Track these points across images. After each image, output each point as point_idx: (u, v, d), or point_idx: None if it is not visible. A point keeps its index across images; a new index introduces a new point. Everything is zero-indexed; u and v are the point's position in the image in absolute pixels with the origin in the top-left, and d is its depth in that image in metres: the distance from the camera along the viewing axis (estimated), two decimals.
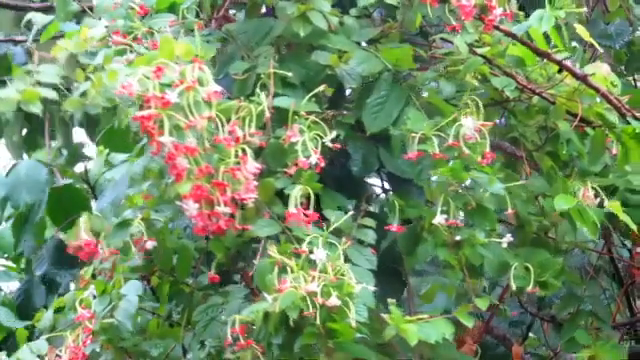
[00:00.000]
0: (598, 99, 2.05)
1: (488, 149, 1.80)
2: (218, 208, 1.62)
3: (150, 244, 1.86)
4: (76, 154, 3.32)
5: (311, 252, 1.64)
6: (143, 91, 1.56)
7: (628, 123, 2.07)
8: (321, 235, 1.68)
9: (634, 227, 1.94)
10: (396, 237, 1.97)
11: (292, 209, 1.70)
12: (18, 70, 1.62)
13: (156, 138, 1.58)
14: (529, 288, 1.85)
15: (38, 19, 1.78)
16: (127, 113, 1.71)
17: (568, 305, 2.36)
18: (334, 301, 1.59)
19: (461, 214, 1.88)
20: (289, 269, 1.62)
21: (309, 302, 1.57)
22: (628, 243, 2.56)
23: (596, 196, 2.01)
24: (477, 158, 1.79)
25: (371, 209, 2.01)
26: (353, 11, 2.06)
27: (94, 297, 1.94)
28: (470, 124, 1.78)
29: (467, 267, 1.87)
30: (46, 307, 2.36)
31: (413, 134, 1.79)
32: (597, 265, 2.48)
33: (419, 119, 1.85)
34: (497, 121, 2.27)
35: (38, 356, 1.96)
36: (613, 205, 1.91)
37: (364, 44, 2.05)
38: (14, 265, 3.60)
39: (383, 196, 2.22)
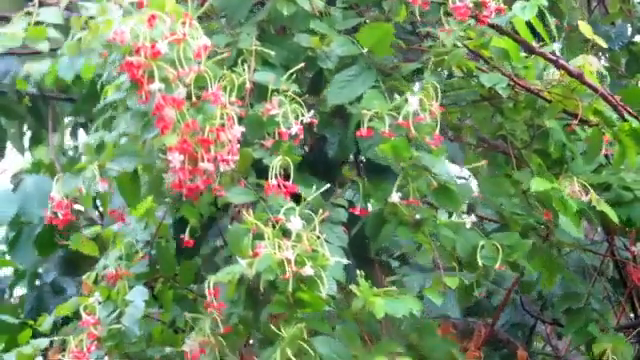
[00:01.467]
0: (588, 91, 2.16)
1: (438, 132, 2.01)
2: (201, 164, 1.84)
3: (101, 186, 2.01)
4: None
5: (287, 221, 1.83)
6: (134, 39, 1.79)
7: (624, 121, 2.30)
8: (297, 206, 1.89)
9: (615, 219, 2.12)
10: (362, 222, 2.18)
11: (272, 180, 1.92)
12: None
13: (145, 88, 1.79)
14: (497, 265, 2.05)
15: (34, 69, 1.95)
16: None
17: (567, 302, 2.59)
18: (308, 270, 1.78)
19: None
20: (265, 236, 1.82)
21: (285, 268, 1.76)
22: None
23: (586, 193, 2.21)
24: (425, 138, 1.99)
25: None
26: (339, 2, 2.34)
27: (99, 303, 2.18)
28: (416, 102, 1.98)
29: (439, 250, 2.08)
30: None
31: (366, 111, 2.00)
32: (600, 268, 2.74)
33: (375, 98, 2.07)
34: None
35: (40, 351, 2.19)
36: (593, 196, 2.14)
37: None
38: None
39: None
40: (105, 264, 2.31)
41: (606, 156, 2.34)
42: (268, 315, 1.87)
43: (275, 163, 1.93)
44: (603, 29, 3.07)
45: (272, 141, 1.98)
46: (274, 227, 1.85)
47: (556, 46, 2.31)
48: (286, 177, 1.96)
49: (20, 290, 3.83)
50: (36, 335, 2.44)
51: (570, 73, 2.27)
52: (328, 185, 2.00)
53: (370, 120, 2.00)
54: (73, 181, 2.03)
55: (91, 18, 1.92)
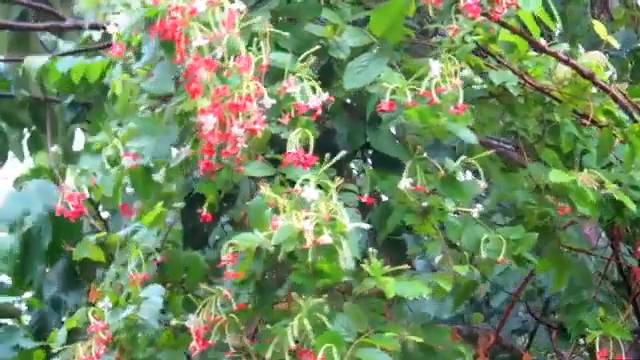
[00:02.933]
0: (594, 90, 2.27)
1: (461, 101, 2.08)
2: (232, 129, 1.93)
3: (127, 161, 2.07)
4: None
5: (303, 191, 1.90)
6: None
7: (635, 121, 2.41)
8: (314, 176, 1.96)
9: (633, 207, 2.28)
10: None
11: (292, 149, 1.98)
12: None
13: (181, 47, 1.90)
14: (500, 258, 2.12)
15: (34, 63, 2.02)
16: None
17: (570, 296, 2.70)
18: (326, 239, 1.85)
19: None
20: (282, 208, 1.89)
21: (304, 239, 1.83)
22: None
23: (600, 188, 2.33)
24: (449, 106, 2.07)
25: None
26: None
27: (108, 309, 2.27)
28: (437, 67, 2.07)
29: (446, 240, 2.18)
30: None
31: (386, 84, 2.08)
32: (604, 273, 2.80)
33: (394, 76, 2.16)
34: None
35: None
36: (610, 186, 2.24)
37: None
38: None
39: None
40: (116, 271, 2.41)
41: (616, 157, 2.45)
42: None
43: (294, 136, 2.00)
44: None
45: (289, 118, 2.05)
46: (291, 199, 1.92)
47: (566, 46, 2.44)
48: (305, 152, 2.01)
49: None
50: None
51: (582, 73, 2.37)
52: (344, 152, 2.05)
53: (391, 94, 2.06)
54: (92, 160, 2.12)
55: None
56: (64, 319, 3.51)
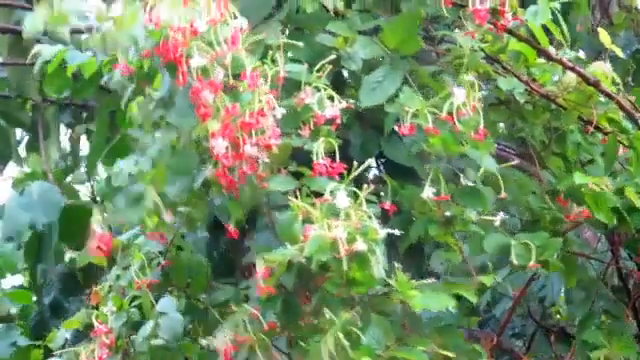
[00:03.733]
0: (602, 98, 2.27)
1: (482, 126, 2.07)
2: (246, 149, 1.90)
3: (168, 217, 2.14)
4: (77, 162, 3.55)
5: (334, 199, 1.88)
6: (169, 21, 1.87)
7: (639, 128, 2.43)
8: (342, 183, 1.94)
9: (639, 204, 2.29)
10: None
11: (319, 160, 1.96)
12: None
13: (183, 68, 1.87)
14: (530, 263, 2.12)
15: (45, 52, 2.00)
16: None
17: (584, 305, 2.71)
18: (360, 245, 1.82)
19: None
20: (314, 218, 1.87)
21: (337, 247, 1.81)
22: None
23: None
24: (470, 133, 2.06)
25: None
26: (355, 5, 2.44)
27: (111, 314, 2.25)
28: (462, 95, 2.06)
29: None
30: None
31: (407, 108, 2.06)
32: (604, 277, 2.70)
33: (412, 96, 2.14)
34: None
35: None
36: (629, 191, 2.25)
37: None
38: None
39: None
40: (118, 274, 2.36)
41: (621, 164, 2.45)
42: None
43: (318, 146, 1.98)
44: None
45: (309, 130, 2.03)
46: (321, 209, 1.89)
47: (582, 54, 2.46)
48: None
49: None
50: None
51: (587, 80, 2.38)
52: (367, 163, 2.03)
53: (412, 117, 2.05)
54: (136, 209, 2.13)
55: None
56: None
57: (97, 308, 2.37)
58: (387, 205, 2.15)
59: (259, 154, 1.93)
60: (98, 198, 3.68)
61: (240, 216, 2.10)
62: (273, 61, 2.13)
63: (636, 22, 3.27)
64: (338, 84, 2.37)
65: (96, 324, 2.20)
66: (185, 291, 2.35)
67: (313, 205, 1.91)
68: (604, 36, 2.39)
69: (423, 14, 2.33)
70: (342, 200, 1.89)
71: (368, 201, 2.07)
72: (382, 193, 2.28)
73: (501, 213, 2.17)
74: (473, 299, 2.06)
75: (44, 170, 3.61)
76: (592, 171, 2.42)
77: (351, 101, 2.22)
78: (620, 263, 2.87)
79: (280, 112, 1.96)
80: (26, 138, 3.92)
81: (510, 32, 2.34)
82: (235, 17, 1.93)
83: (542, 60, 2.43)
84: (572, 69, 2.40)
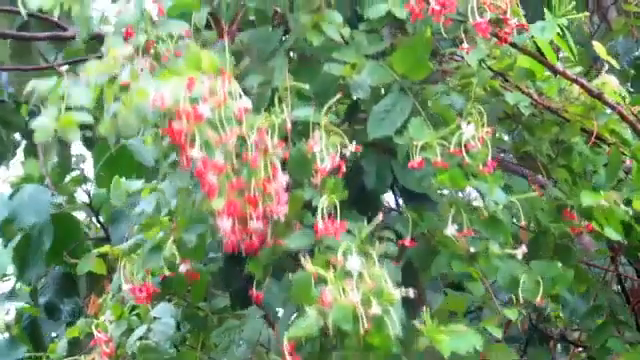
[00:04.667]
0: (608, 111, 2.26)
1: (490, 158, 2.06)
2: (252, 224, 1.89)
3: (183, 267, 2.14)
4: (67, 165, 3.52)
5: (346, 261, 1.87)
6: (174, 105, 1.81)
7: None
8: (353, 243, 1.93)
9: None
10: (410, 252, 2.25)
11: (320, 224, 1.96)
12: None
13: (187, 153, 1.83)
14: (537, 299, 2.12)
15: (41, 86, 1.96)
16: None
17: (591, 315, 2.69)
18: (376, 309, 1.81)
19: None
20: (327, 280, 1.86)
21: (357, 314, 1.80)
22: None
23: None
24: (479, 166, 2.05)
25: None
26: (362, 26, 2.35)
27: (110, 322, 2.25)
28: (471, 131, 2.05)
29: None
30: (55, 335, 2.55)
31: (415, 142, 2.05)
32: (604, 280, 2.71)
33: (422, 127, 2.12)
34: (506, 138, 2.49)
35: None
36: (637, 203, 2.28)
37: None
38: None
39: (395, 213, 2.42)
40: (119, 283, 2.31)
41: (626, 172, 2.45)
42: None
43: (322, 204, 1.97)
44: (609, 45, 3.17)
45: (320, 178, 2.00)
46: (335, 269, 1.88)
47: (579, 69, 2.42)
48: (335, 215, 1.99)
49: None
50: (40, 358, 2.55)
51: (590, 92, 2.37)
52: (378, 220, 2.04)
53: (421, 150, 2.05)
54: (154, 257, 2.12)
55: (122, 87, 1.88)
56: (58, 326, 3.56)
57: (96, 317, 2.39)
58: (407, 241, 2.15)
59: (272, 214, 1.92)
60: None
61: (261, 277, 2.10)
62: (280, 100, 2.10)
63: (635, 28, 3.20)
64: (352, 114, 2.37)
65: (96, 333, 2.20)
66: (185, 299, 2.36)
67: (327, 264, 1.90)
68: (599, 48, 2.36)
69: (429, 34, 2.30)
70: (354, 263, 1.87)
71: (383, 238, 2.09)
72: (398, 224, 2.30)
73: (523, 246, 2.15)
74: (498, 334, 2.07)
75: (41, 173, 3.58)
76: (598, 182, 2.41)
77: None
78: (619, 269, 2.87)
79: (284, 179, 1.94)
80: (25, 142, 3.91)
81: (515, 47, 2.32)
82: (240, 97, 1.89)
83: (548, 73, 2.41)
84: (575, 81, 2.37)
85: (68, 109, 1.81)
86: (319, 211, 1.98)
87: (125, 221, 2.98)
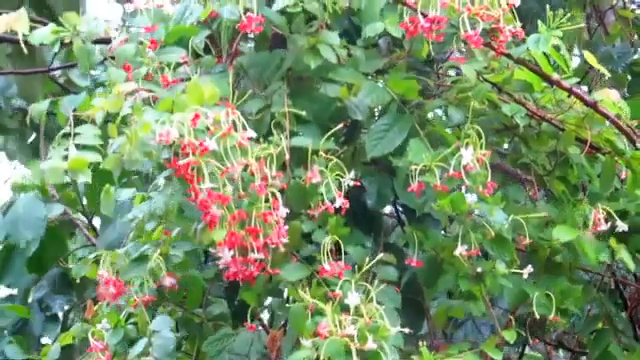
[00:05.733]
0: (607, 122, 2.25)
1: (489, 179, 2.05)
2: (252, 255, 1.88)
3: (168, 280, 2.13)
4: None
5: (345, 297, 1.88)
6: (179, 139, 1.80)
7: (637, 149, 2.38)
8: (352, 278, 1.94)
9: (632, 266, 2.31)
10: (416, 269, 2.24)
11: (326, 265, 1.96)
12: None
13: (195, 186, 1.81)
14: (551, 316, 2.15)
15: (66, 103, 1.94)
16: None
17: (590, 325, 2.70)
18: (371, 345, 1.83)
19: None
20: (326, 312, 1.86)
21: (350, 348, 1.81)
22: None
23: (607, 220, 2.31)
24: (479, 188, 2.04)
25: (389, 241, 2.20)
26: (360, 42, 2.33)
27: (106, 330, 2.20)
28: (469, 155, 2.03)
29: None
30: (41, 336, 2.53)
31: (414, 166, 2.04)
32: (600, 286, 2.72)
33: (421, 150, 2.11)
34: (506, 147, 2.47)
35: None
36: (614, 244, 2.27)
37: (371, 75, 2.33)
38: None
39: (399, 228, 2.41)
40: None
41: (622, 180, 2.41)
42: None
43: (326, 242, 1.98)
44: (605, 50, 3.14)
45: (319, 210, 2.00)
46: (332, 302, 1.90)
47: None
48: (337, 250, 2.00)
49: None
50: None
51: (585, 102, 2.33)
52: (381, 255, 2.04)
53: (420, 173, 2.04)
54: (137, 269, 2.12)
55: (123, 121, 1.88)
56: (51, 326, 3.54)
57: (90, 322, 2.37)
58: (414, 262, 2.15)
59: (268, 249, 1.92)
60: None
61: (256, 306, 2.10)
62: (278, 124, 2.09)
63: (632, 33, 3.18)
64: (352, 134, 2.33)
65: (92, 341, 2.19)
66: (181, 306, 2.34)
67: (324, 296, 1.91)
68: (589, 58, 2.34)
69: (426, 51, 2.28)
70: (353, 299, 1.88)
71: (384, 263, 2.09)
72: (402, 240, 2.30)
73: (529, 266, 2.15)
74: (498, 358, 2.06)
75: (42, 180, 3.55)
76: (594, 192, 2.41)
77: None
78: (616, 273, 2.84)
79: (284, 211, 1.92)
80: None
81: (511, 57, 2.28)
82: (245, 128, 1.87)
83: (544, 84, 2.37)
84: (570, 91, 2.34)
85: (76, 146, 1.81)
86: (322, 251, 1.97)
87: (113, 227, 2.96)
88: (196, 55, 2.18)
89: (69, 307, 3.60)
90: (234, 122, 1.87)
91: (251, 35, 2.30)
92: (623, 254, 2.28)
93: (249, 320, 2.14)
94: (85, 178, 1.73)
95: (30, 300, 3.57)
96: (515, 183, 2.52)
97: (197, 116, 1.82)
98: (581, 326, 2.80)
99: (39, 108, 2.29)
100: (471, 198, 2.09)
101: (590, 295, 2.68)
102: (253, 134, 1.88)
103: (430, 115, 2.31)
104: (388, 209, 2.64)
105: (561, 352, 3.28)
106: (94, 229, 3.61)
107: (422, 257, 2.22)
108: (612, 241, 2.29)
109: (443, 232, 2.31)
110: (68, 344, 2.56)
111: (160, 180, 2.24)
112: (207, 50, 2.24)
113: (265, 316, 2.58)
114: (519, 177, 2.55)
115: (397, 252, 2.25)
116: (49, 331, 3.56)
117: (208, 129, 1.84)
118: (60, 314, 3.60)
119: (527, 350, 3.24)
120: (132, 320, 2.29)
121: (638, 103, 2.48)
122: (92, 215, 3.63)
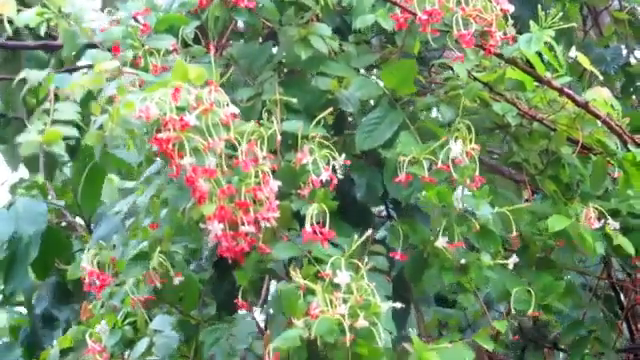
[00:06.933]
0: (599, 123, 2.22)
1: (477, 173, 2.02)
2: (242, 228, 1.83)
3: (177, 280, 2.11)
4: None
5: (335, 275, 1.83)
6: (161, 115, 1.77)
7: (628, 150, 2.34)
8: (342, 256, 1.88)
9: (632, 251, 2.22)
10: (402, 264, 2.20)
11: (308, 228, 1.90)
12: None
13: (175, 161, 1.78)
14: (530, 311, 2.08)
15: (32, 76, 1.92)
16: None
17: (573, 331, 2.62)
18: (362, 322, 1.78)
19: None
20: (316, 292, 1.81)
21: (343, 326, 1.76)
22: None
23: (599, 219, 2.27)
24: (466, 182, 2.00)
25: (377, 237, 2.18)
26: (352, 37, 2.31)
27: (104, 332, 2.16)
28: (458, 148, 2.00)
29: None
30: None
31: (403, 157, 2.01)
32: (596, 289, 2.66)
33: (410, 142, 2.08)
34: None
35: None
36: (609, 231, 2.20)
37: (363, 70, 2.32)
38: None
39: (388, 223, 2.38)
40: (110, 292, 2.26)
41: (613, 179, 2.39)
42: None
43: (311, 211, 1.92)
44: (598, 51, 3.13)
45: (308, 190, 1.96)
46: (323, 281, 1.85)
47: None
48: (323, 224, 1.94)
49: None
50: None
51: (576, 102, 2.30)
52: (368, 233, 1.97)
53: (408, 165, 2.01)
54: (139, 267, 2.10)
55: (110, 100, 1.86)
56: (56, 335, 3.51)
57: (88, 324, 2.33)
58: (398, 255, 2.10)
59: (259, 226, 1.87)
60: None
61: (247, 287, 2.05)
62: (269, 112, 2.06)
63: (626, 35, 3.17)
64: (340, 126, 2.31)
65: (89, 342, 2.15)
66: (177, 307, 2.30)
67: (315, 276, 1.86)
68: (582, 59, 2.32)
69: (419, 47, 2.27)
70: (343, 277, 1.83)
71: (374, 253, 2.05)
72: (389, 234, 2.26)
73: (514, 256, 2.11)
74: (489, 347, 2.02)
75: (43, 182, 3.56)
76: (586, 192, 2.36)
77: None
78: (612, 275, 2.81)
79: (275, 184, 1.89)
80: None
81: (502, 57, 2.27)
82: (227, 105, 1.83)
83: (536, 84, 2.34)
84: (561, 90, 2.31)
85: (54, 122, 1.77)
86: (307, 217, 1.92)
87: (105, 223, 2.94)
88: (185, 44, 2.17)
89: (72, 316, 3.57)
90: (218, 100, 1.85)
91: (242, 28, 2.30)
92: (620, 240, 2.22)
93: (240, 298, 2.08)
94: (59, 150, 1.71)
95: (37, 312, 3.55)
96: (505, 179, 2.50)
97: (177, 90, 1.78)
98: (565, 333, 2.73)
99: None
100: (459, 192, 2.07)
101: (580, 300, 2.65)
102: (236, 110, 1.85)
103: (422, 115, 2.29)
104: (377, 209, 2.61)
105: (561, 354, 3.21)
106: (92, 233, 3.60)
107: (410, 253, 2.17)
108: (607, 228, 2.23)
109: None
110: (68, 347, 2.52)
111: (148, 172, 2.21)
112: (197, 41, 2.24)
113: (261, 318, 2.53)
114: (512, 177, 2.52)
115: (386, 249, 2.19)
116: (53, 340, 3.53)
117: (191, 107, 1.82)
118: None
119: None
120: (128, 321, 2.27)
121: (638, 114, 2.49)
122: (90, 219, 3.62)
